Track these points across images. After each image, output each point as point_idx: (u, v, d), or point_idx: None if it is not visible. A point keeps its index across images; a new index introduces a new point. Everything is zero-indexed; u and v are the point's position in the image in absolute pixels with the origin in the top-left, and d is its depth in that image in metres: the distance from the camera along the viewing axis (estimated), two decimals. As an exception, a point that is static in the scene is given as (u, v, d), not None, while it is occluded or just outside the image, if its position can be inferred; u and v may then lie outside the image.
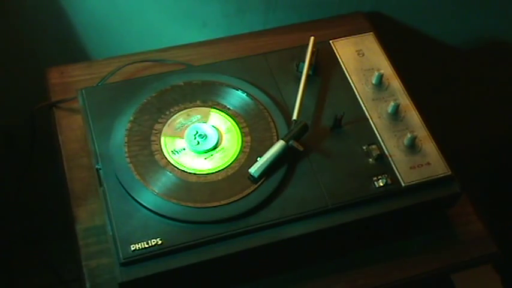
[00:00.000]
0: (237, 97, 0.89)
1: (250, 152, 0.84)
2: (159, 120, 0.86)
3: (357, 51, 0.96)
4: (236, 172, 0.83)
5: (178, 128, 0.86)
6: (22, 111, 1.00)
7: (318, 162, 0.84)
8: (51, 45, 1.11)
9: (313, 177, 0.83)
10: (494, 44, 1.35)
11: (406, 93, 0.92)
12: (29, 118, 0.98)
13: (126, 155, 0.83)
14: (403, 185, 0.84)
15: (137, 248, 0.75)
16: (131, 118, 0.86)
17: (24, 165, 1.08)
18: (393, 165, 0.85)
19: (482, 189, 1.68)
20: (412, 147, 0.87)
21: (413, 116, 0.90)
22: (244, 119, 0.88)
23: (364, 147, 0.86)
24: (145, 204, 0.79)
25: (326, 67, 0.94)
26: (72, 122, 0.95)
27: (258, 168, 0.81)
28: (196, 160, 0.83)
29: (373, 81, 0.92)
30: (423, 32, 1.28)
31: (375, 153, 0.85)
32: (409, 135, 0.86)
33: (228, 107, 0.89)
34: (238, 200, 0.80)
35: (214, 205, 0.79)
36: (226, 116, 0.87)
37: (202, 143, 0.85)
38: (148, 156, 0.83)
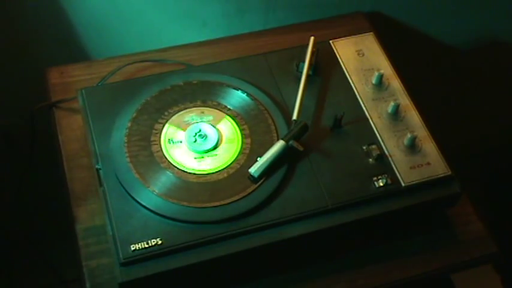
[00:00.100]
0: (237, 97, 0.89)
1: (250, 152, 0.84)
2: (159, 120, 0.86)
3: (357, 51, 0.96)
4: (236, 172, 0.83)
5: (187, 121, 0.86)
6: (22, 111, 1.00)
7: (318, 162, 0.84)
8: (51, 45, 1.11)
9: (313, 177, 0.83)
10: (494, 44, 1.35)
11: (406, 93, 0.92)
12: (29, 118, 0.98)
13: (126, 155, 0.83)
14: (403, 185, 0.84)
15: (137, 248, 0.75)
16: (131, 118, 0.86)
17: (24, 165, 1.08)
18: (393, 165, 0.85)
19: (482, 189, 1.68)
20: (412, 147, 0.87)
21: (413, 116, 0.90)
22: (244, 119, 0.88)
23: (364, 147, 0.86)
24: (145, 204, 0.79)
25: (326, 67, 0.94)
26: (72, 122, 0.95)
27: (258, 168, 0.81)
28: (190, 159, 0.83)
29: (373, 81, 0.92)
30: (423, 32, 1.28)
31: (375, 153, 0.85)
32: (409, 135, 0.86)
33: (228, 107, 0.89)
34: (238, 200, 0.80)
35: (214, 205, 0.79)
36: (234, 123, 0.87)
37: (202, 143, 0.85)
38: (148, 156, 0.83)
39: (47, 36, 1.09)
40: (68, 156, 0.92)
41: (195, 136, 0.85)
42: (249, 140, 0.86)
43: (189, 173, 0.82)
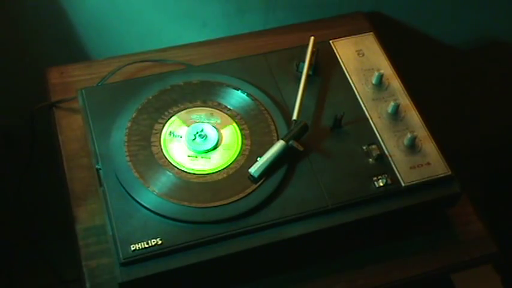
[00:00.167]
0: (237, 97, 0.89)
1: (250, 152, 0.84)
2: (159, 120, 0.86)
3: (357, 51, 0.96)
4: (236, 172, 0.83)
5: (194, 118, 0.86)
6: (22, 111, 1.00)
7: (318, 162, 0.84)
8: (51, 45, 1.11)
9: (313, 177, 0.83)
10: (494, 44, 1.35)
11: (406, 93, 0.92)
12: (29, 118, 0.98)
13: (126, 154, 0.83)
14: (403, 185, 0.84)
15: (137, 248, 0.75)
16: (131, 118, 0.86)
17: (24, 165, 1.08)
18: (393, 165, 0.85)
19: (482, 189, 1.68)
20: (412, 147, 0.87)
21: (413, 116, 0.90)
22: (244, 119, 0.88)
23: (364, 147, 0.86)
24: (145, 204, 0.79)
25: (326, 67, 0.94)
26: (72, 122, 0.95)
27: (258, 168, 0.81)
28: (190, 158, 0.83)
29: (373, 81, 0.92)
30: (423, 32, 1.28)
31: (375, 153, 0.85)
32: (409, 135, 0.86)
33: (228, 107, 0.89)
34: (238, 200, 0.80)
35: (214, 205, 0.79)
36: (234, 123, 0.87)
37: (202, 143, 0.85)
38: (148, 156, 0.83)
39: (47, 36, 1.09)
40: (68, 156, 0.92)
41: (195, 136, 0.85)
42: (249, 140, 0.86)
43: (189, 173, 0.82)
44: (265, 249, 0.79)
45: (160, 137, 0.85)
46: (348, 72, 0.94)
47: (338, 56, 0.96)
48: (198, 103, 0.88)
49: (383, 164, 0.85)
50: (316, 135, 0.87)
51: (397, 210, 0.83)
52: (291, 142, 0.82)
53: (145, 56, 1.03)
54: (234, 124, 0.86)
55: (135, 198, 0.79)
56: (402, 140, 0.87)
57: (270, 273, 0.85)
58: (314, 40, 0.92)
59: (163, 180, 0.81)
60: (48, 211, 1.32)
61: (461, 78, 1.42)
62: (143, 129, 0.85)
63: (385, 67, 0.94)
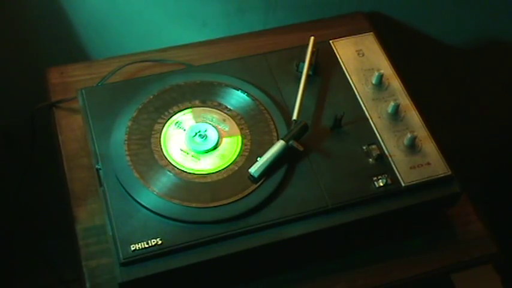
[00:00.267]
0: (237, 97, 0.89)
1: (250, 152, 0.84)
2: (159, 121, 0.86)
3: (357, 51, 0.96)
4: (236, 172, 0.83)
5: (205, 118, 0.87)
6: (22, 111, 1.01)
7: (318, 162, 0.84)
8: (51, 45, 1.11)
9: (313, 177, 0.83)
10: (494, 44, 1.35)
11: (406, 93, 0.92)
12: (29, 118, 0.98)
13: (126, 154, 0.83)
14: (403, 185, 0.84)
15: (137, 248, 0.75)
16: (131, 118, 0.86)
17: (24, 165, 1.08)
18: (393, 165, 0.85)
19: (482, 189, 1.68)
20: (412, 147, 0.87)
21: (413, 116, 0.90)
22: (244, 119, 0.88)
23: (364, 147, 0.86)
24: (145, 204, 0.79)
25: (326, 67, 0.94)
26: (72, 122, 0.95)
27: (258, 168, 0.81)
28: (190, 158, 0.83)
29: (373, 81, 0.92)
30: (423, 32, 1.28)
31: (375, 153, 0.85)
32: (409, 135, 0.86)
33: (228, 107, 0.89)
34: (238, 200, 0.80)
35: (214, 205, 0.79)
36: (234, 123, 0.87)
37: (202, 143, 0.85)
38: (148, 156, 0.83)
39: (47, 36, 1.09)
40: (68, 156, 0.92)
41: (195, 136, 0.85)
42: (249, 140, 0.86)
43: (189, 173, 0.82)
44: (265, 249, 0.79)
45: (160, 137, 0.85)
46: (348, 72, 0.94)
47: (338, 56, 0.96)
48: (197, 103, 0.88)
49: (383, 164, 0.85)
50: (316, 135, 0.87)
51: (397, 210, 0.83)
52: (291, 142, 0.82)
53: (145, 56, 1.03)
54: (239, 136, 0.86)
55: (135, 198, 0.79)
56: (402, 140, 0.87)
57: (270, 273, 0.85)
58: (314, 40, 0.92)
59: (164, 180, 0.81)
60: (48, 211, 1.32)
61: (462, 78, 1.42)
62: (143, 129, 0.85)
63: (385, 67, 0.94)
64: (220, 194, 0.80)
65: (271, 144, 0.83)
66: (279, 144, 0.83)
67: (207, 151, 0.84)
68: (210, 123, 0.86)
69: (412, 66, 1.11)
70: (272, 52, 0.96)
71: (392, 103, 0.89)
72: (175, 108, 0.88)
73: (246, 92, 0.90)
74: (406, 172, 0.84)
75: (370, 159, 0.85)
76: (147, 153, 0.83)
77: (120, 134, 0.85)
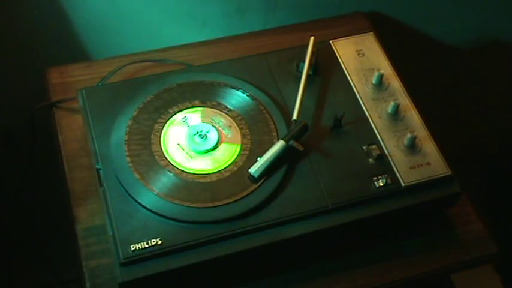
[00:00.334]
0: (237, 97, 0.89)
1: (250, 152, 0.84)
2: (159, 120, 0.86)
3: (357, 51, 0.96)
4: (236, 172, 0.83)
5: (213, 120, 0.87)
6: (22, 111, 1.01)
7: (318, 162, 0.84)
8: (51, 45, 1.11)
9: (313, 177, 0.83)
10: (494, 44, 1.35)
11: (406, 93, 0.92)
12: (29, 118, 0.98)
13: (126, 154, 0.83)
14: (403, 185, 0.84)
15: (137, 248, 0.75)
16: (131, 118, 0.86)
17: (24, 165, 1.08)
18: (393, 165, 0.85)
19: (482, 189, 1.68)
20: (412, 147, 0.87)
21: (413, 116, 0.90)
22: (244, 119, 0.88)
23: (364, 147, 0.86)
24: (145, 204, 0.79)
25: (326, 67, 0.94)
26: (72, 122, 0.95)
27: (258, 168, 0.81)
28: (190, 158, 0.84)
29: (373, 81, 0.92)
30: (423, 32, 1.28)
31: (375, 153, 0.85)
32: (409, 135, 0.86)
33: (228, 107, 0.89)
34: (238, 200, 0.80)
35: (214, 205, 0.79)
36: (234, 123, 0.87)
37: (202, 143, 0.85)
38: (148, 156, 0.83)
39: (47, 36, 1.09)
40: (68, 156, 0.92)
41: (195, 136, 0.85)
42: (249, 140, 0.86)
43: (189, 173, 0.82)
44: (265, 249, 0.79)
45: (160, 137, 0.85)
46: (348, 72, 0.94)
47: (338, 56, 0.96)
48: (197, 103, 0.89)
49: (383, 164, 0.85)
50: (316, 135, 0.87)
51: (397, 210, 0.83)
52: (291, 142, 0.82)
53: (145, 56, 1.03)
54: (239, 145, 0.85)
55: (135, 198, 0.79)
56: (402, 140, 0.87)
57: (270, 273, 0.85)
58: (314, 40, 0.92)
59: (164, 180, 0.81)
60: (48, 211, 1.32)
61: (462, 78, 1.42)
62: (143, 129, 0.85)
63: (385, 67, 0.94)
64: (220, 194, 0.80)
65: (271, 144, 0.83)
66: (279, 144, 0.83)
67: (205, 151, 0.84)
68: (213, 125, 0.86)
69: (412, 66, 1.11)
70: (272, 52, 0.96)
71: (392, 103, 0.89)
72: (175, 108, 0.88)
73: (246, 92, 0.90)
74: (406, 172, 0.84)
75: (370, 159, 0.85)
76: (147, 154, 0.83)
77: (120, 134, 0.85)
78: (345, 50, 0.96)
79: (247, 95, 0.89)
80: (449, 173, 0.85)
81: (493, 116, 1.55)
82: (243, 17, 1.14)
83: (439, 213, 0.92)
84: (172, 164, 0.83)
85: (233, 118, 0.87)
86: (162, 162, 0.83)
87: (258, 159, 0.82)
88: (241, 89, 0.90)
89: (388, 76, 0.93)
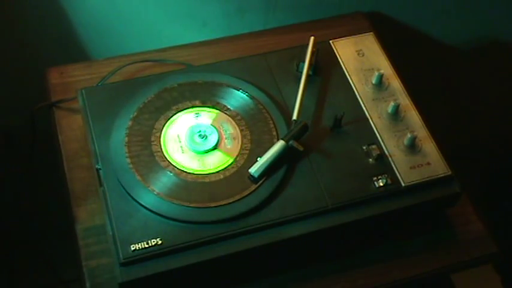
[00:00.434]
0: (237, 97, 0.89)
1: (250, 152, 0.84)
2: (159, 120, 0.86)
3: (357, 51, 0.96)
4: (236, 172, 0.83)
5: (219, 122, 0.87)
6: (22, 111, 1.01)
7: (318, 162, 0.84)
8: (51, 45, 1.11)
9: (313, 177, 0.83)
10: (494, 44, 1.35)
11: (406, 93, 0.92)
12: (29, 118, 0.98)
13: (126, 155, 0.83)
14: (403, 185, 0.84)
15: (137, 248, 0.75)
16: (131, 118, 0.86)
17: (24, 165, 1.08)
18: (393, 165, 0.85)
19: (482, 189, 1.68)
20: (412, 147, 0.87)
21: (413, 116, 0.90)
22: (244, 119, 0.88)
23: (364, 147, 0.86)
24: (145, 205, 0.79)
25: (326, 67, 0.94)
26: (72, 122, 0.95)
27: (258, 168, 0.81)
28: (190, 159, 0.84)
29: (373, 81, 0.92)
30: (423, 32, 1.28)
31: (375, 153, 0.85)
32: (409, 135, 0.86)
33: (228, 107, 0.89)
34: (238, 200, 0.80)
35: (214, 205, 0.79)
36: (234, 123, 0.87)
37: (202, 143, 0.85)
38: (148, 157, 0.83)
39: (47, 36, 1.09)
40: (68, 156, 0.92)
41: (194, 136, 0.85)
42: (248, 140, 0.86)
43: (189, 173, 0.82)
44: (265, 249, 0.79)
45: (160, 137, 0.85)
46: (348, 72, 0.94)
47: (338, 56, 0.96)
48: (197, 103, 0.89)
49: (383, 164, 0.85)
50: (316, 135, 0.87)
51: (397, 210, 0.83)
52: (291, 142, 0.82)
53: (145, 56, 1.03)
54: (233, 158, 0.85)
55: (135, 198, 0.79)
56: (402, 140, 0.87)
57: (270, 273, 0.85)
58: (314, 40, 0.92)
59: (164, 181, 0.81)
60: (48, 211, 1.32)
61: (461, 78, 1.42)
62: (143, 129, 0.85)
63: (385, 67, 0.94)
64: (220, 194, 0.80)
65: (271, 144, 0.83)
66: (279, 144, 0.83)
67: (215, 146, 0.84)
68: (215, 127, 0.86)
69: (412, 66, 1.11)
70: (272, 52, 0.96)
71: (392, 103, 0.89)
72: (175, 108, 0.88)
73: (246, 92, 0.90)
74: (406, 172, 0.84)
75: (370, 159, 0.85)
76: (147, 154, 0.83)
77: (120, 134, 0.85)
78: (345, 50, 0.96)
79: (247, 95, 0.89)
80: (449, 173, 0.85)
81: (493, 116, 1.55)
82: (243, 17, 1.14)
83: (439, 213, 0.92)
84: (172, 164, 0.83)
85: (233, 118, 0.87)
86: (162, 163, 0.82)
87: (258, 159, 0.82)
88: (241, 89, 0.90)
89: (388, 76, 0.93)
